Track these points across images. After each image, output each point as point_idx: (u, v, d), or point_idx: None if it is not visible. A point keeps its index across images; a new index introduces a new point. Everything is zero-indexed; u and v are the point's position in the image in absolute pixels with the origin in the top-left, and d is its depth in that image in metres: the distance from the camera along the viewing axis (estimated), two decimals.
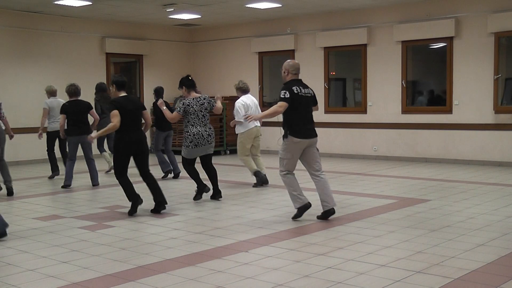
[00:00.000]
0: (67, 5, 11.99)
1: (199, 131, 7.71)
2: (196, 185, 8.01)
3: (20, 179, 10.45)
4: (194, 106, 7.71)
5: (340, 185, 9.28)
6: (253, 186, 9.18)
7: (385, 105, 12.83)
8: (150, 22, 14.68)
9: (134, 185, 7.19)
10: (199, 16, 13.77)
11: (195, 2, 12.04)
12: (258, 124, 9.14)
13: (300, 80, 6.61)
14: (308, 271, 4.63)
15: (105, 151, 10.99)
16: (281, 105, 6.32)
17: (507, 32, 11.26)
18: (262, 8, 12.69)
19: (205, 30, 15.73)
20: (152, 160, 13.54)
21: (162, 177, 10.15)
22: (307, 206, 6.55)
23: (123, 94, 7.09)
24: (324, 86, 13.68)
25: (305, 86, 6.59)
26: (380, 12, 12.78)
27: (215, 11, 13.04)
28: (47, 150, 10.43)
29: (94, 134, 7.73)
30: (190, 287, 4.34)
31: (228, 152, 14.60)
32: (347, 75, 14.66)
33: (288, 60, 6.69)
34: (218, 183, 8.12)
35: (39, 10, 12.63)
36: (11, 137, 9.02)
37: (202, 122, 7.77)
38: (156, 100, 10.76)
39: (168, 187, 9.20)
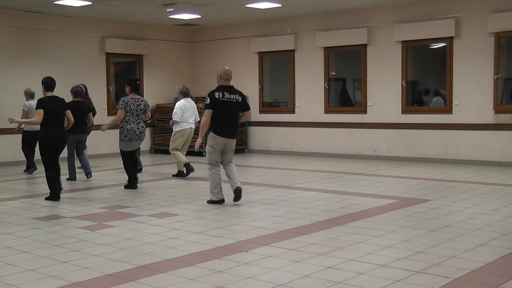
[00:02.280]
0: (67, 5, 11.99)
1: (133, 127, 8.82)
2: (128, 178, 9.07)
3: (19, 179, 10.45)
4: (132, 106, 8.82)
5: (340, 185, 9.28)
6: (173, 176, 10.32)
7: (385, 105, 12.83)
8: (150, 22, 14.68)
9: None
10: (199, 16, 13.76)
11: (195, 2, 12.04)
12: (193, 126, 10.16)
13: (231, 86, 7.54)
14: (308, 271, 4.63)
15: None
16: (205, 114, 7.36)
17: (507, 32, 11.26)
18: (262, 8, 12.68)
19: (205, 30, 15.73)
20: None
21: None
22: (221, 202, 7.60)
23: (50, 94, 8.00)
24: (324, 86, 13.69)
25: (233, 92, 7.51)
26: (380, 12, 12.78)
27: (215, 11, 13.03)
28: (22, 148, 11.18)
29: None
30: (190, 287, 4.34)
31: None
32: (347, 75, 14.66)
33: (226, 67, 7.63)
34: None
35: (39, 10, 12.63)
36: None
37: (136, 120, 8.88)
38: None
39: (168, 187, 9.21)
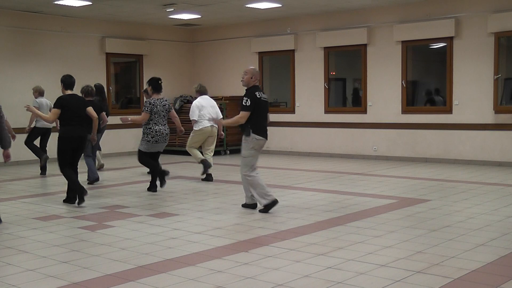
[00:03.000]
0: (67, 5, 11.99)
1: (160, 129, 8.57)
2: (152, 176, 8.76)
3: (20, 179, 10.45)
4: (158, 106, 8.58)
5: (340, 185, 9.28)
6: (202, 179, 9.82)
7: (385, 105, 12.83)
8: (150, 22, 14.68)
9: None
10: (199, 16, 13.77)
11: (195, 2, 12.04)
12: (215, 124, 9.71)
13: (259, 86, 7.29)
14: (308, 271, 4.63)
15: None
16: (242, 116, 6.96)
17: (507, 32, 11.26)
18: (262, 8, 12.69)
19: (205, 30, 15.73)
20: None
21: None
22: (275, 202, 7.04)
23: (69, 92, 7.78)
24: (324, 86, 13.69)
25: (263, 92, 7.31)
26: (380, 12, 12.78)
27: (215, 11, 13.04)
28: (26, 141, 10.89)
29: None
30: (190, 287, 4.34)
31: (228, 152, 14.60)
32: (347, 75, 14.65)
33: (253, 67, 7.34)
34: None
35: (39, 10, 12.63)
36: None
37: (163, 121, 8.64)
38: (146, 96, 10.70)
39: (168, 187, 9.21)
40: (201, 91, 9.96)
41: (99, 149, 11.25)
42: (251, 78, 7.11)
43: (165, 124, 8.64)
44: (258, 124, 6.98)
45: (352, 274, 4.54)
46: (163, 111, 8.62)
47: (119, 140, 14.18)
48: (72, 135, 7.60)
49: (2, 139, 6.80)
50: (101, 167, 11.38)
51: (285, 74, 14.58)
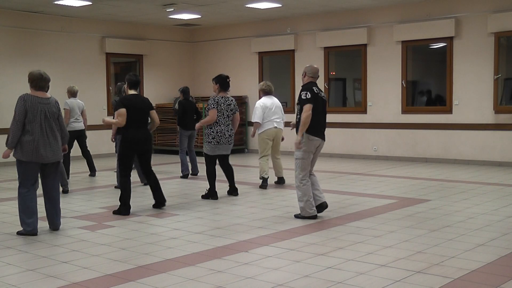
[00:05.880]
0: (67, 5, 11.99)
1: (222, 129, 7.96)
2: (209, 187, 8.11)
3: None
4: (222, 105, 7.96)
5: (340, 185, 9.28)
6: (260, 187, 9.11)
7: (385, 105, 12.83)
8: (150, 22, 14.68)
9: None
10: (199, 16, 13.77)
11: (195, 2, 12.04)
12: (280, 126, 9.11)
13: (316, 83, 6.78)
14: (308, 271, 4.64)
15: None
16: (307, 109, 6.46)
17: (507, 32, 11.26)
18: (262, 8, 12.68)
19: (205, 30, 15.73)
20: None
21: (180, 177, 10.31)
22: (314, 217, 6.62)
23: (133, 92, 7.22)
24: (324, 86, 13.68)
25: (321, 90, 6.82)
26: (380, 12, 12.78)
27: (215, 11, 13.04)
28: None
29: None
30: (190, 287, 4.34)
31: None
32: (347, 75, 14.65)
33: (308, 65, 6.86)
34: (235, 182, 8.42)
35: (39, 10, 12.63)
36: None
37: (226, 121, 8.02)
38: (184, 99, 10.51)
39: (168, 187, 9.20)
40: (266, 91, 9.21)
41: None
42: (302, 75, 6.78)
43: (228, 125, 8.02)
44: (313, 122, 6.49)
45: (352, 274, 4.54)
46: (227, 111, 7.98)
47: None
48: (136, 138, 7.01)
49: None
50: None
51: (285, 74, 14.58)
